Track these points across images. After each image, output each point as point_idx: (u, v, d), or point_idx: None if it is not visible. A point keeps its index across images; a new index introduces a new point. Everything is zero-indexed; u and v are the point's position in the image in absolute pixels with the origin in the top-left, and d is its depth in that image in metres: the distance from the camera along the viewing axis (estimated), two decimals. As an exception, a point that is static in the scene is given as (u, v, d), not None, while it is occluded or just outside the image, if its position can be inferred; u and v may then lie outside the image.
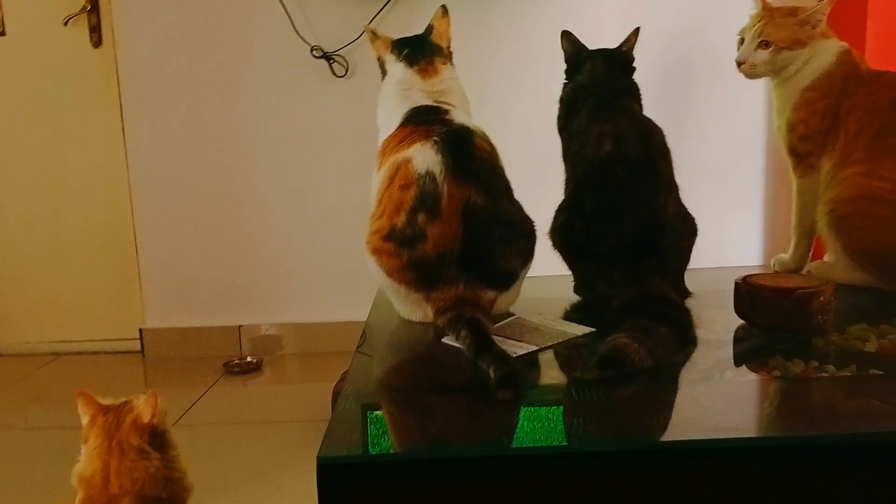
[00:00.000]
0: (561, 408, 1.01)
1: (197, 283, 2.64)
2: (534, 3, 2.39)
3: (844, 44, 1.54)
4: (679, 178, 1.42)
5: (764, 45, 1.52)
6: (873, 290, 1.44)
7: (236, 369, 2.52)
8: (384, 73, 1.55)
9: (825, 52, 1.51)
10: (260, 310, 2.64)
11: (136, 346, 2.71)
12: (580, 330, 1.28)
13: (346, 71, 2.47)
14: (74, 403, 1.25)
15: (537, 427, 0.95)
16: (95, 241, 2.73)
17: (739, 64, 1.55)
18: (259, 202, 2.58)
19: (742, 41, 1.57)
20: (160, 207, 2.60)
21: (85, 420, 1.24)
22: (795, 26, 1.51)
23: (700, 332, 1.27)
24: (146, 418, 1.19)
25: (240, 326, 2.64)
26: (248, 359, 2.57)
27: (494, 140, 1.43)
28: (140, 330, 2.69)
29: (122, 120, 2.56)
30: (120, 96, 2.55)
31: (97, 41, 2.57)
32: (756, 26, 1.53)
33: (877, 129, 1.44)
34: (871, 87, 1.49)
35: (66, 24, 2.56)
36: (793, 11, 1.52)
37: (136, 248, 2.64)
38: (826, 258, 1.56)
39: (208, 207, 2.59)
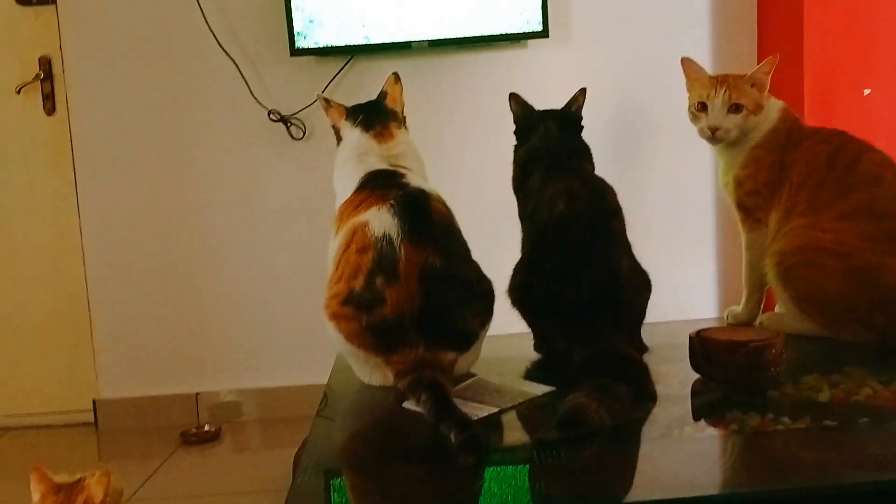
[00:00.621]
0: (523, 471, 1.01)
1: (152, 351, 2.58)
2: (481, 67, 2.45)
3: (782, 102, 1.61)
4: (631, 234, 1.46)
5: (734, 109, 1.54)
6: (824, 340, 1.47)
7: (194, 439, 2.45)
8: (339, 139, 1.57)
9: (769, 110, 1.58)
10: (218, 376, 2.59)
11: (90, 417, 2.62)
12: (541, 389, 1.28)
13: (304, 133, 2.49)
14: (25, 481, 1.20)
15: (501, 491, 0.94)
16: (47, 311, 2.66)
17: (714, 130, 1.55)
18: (216, 266, 2.55)
19: (701, 107, 1.57)
20: (114, 275, 2.55)
21: (36, 497, 1.19)
22: (754, 90, 1.55)
23: (658, 388, 1.29)
24: (98, 499, 1.15)
25: (197, 394, 2.58)
26: (206, 427, 2.50)
27: (450, 201, 1.45)
28: (94, 401, 2.61)
29: (76, 187, 2.53)
30: (74, 164, 2.52)
31: (50, 109, 2.56)
32: (722, 93, 1.54)
33: (816, 183, 1.50)
34: (811, 141, 1.56)
35: (18, 92, 2.54)
36: (743, 77, 1.56)
37: (90, 316, 2.58)
38: (777, 309, 1.60)
39: (164, 274, 2.55)
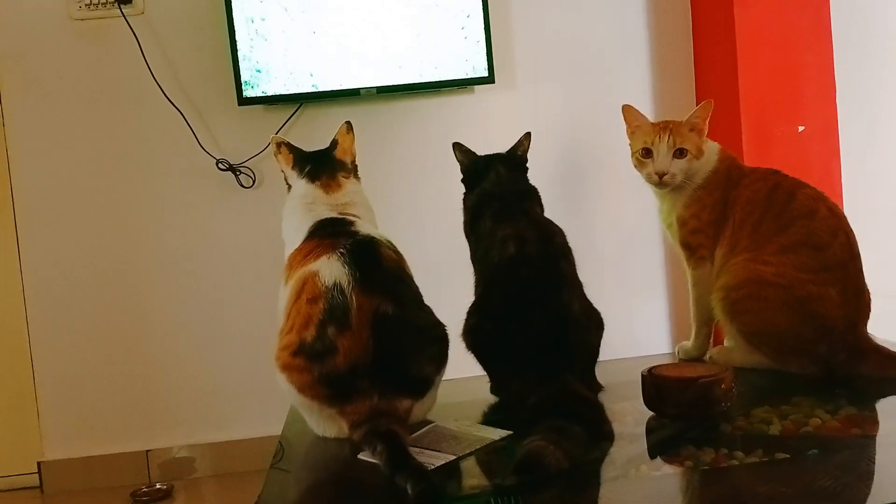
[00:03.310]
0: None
1: (99, 409, 2.49)
2: (429, 112, 2.48)
3: (717, 144, 1.66)
4: (582, 274, 1.48)
5: (679, 153, 1.57)
6: (772, 372, 1.50)
7: (145, 498, 2.36)
8: (288, 185, 1.57)
9: (709, 153, 1.62)
10: (168, 431, 2.51)
11: (35, 480, 2.52)
12: (498, 434, 1.28)
13: (254, 182, 2.48)
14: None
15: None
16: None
17: (661, 175, 1.57)
18: (164, 318, 2.50)
19: (645, 153, 1.60)
20: (58, 331, 2.47)
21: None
22: (693, 135, 1.59)
23: (614, 426, 1.30)
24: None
25: (147, 451, 2.50)
26: (158, 486, 2.42)
27: (401, 246, 1.45)
28: (38, 463, 2.51)
29: (18, 244, 2.46)
30: (15, 220, 2.46)
31: (-10, 164, 2.50)
32: (667, 139, 1.57)
33: (757, 218, 1.54)
34: (749, 179, 1.60)
35: (-43, 149, 2.48)
36: (683, 123, 1.60)
37: (33, 374, 2.49)
38: (725, 343, 1.62)
39: (109, 328, 2.48)
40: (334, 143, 1.57)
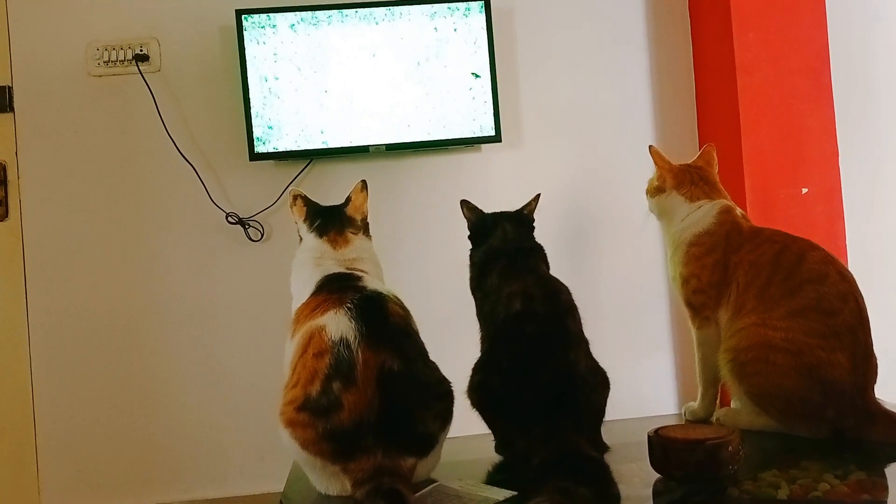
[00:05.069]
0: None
1: (99, 462, 2.46)
2: (436, 170, 2.51)
3: (725, 203, 1.68)
4: (588, 332, 1.48)
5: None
6: (780, 435, 1.49)
7: (141, 555, 2.32)
8: (301, 237, 1.59)
9: (705, 211, 1.65)
10: (168, 486, 2.47)
11: (30, 536, 2.47)
12: (502, 494, 1.26)
13: (262, 235, 2.50)
14: None
15: None
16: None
17: None
18: (167, 372, 2.48)
19: None
20: (62, 383, 2.46)
21: None
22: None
23: (620, 488, 1.28)
24: None
25: (146, 506, 2.47)
26: (155, 542, 2.38)
27: (407, 302, 1.46)
28: (35, 517, 2.47)
29: (26, 294, 2.48)
30: (24, 272, 2.47)
31: (3, 214, 2.52)
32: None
33: (763, 282, 1.54)
34: (753, 243, 1.61)
35: (-30, 197, 2.52)
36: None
37: (35, 426, 2.47)
38: (732, 404, 1.61)
39: (112, 380, 2.46)
40: (347, 200, 1.60)
